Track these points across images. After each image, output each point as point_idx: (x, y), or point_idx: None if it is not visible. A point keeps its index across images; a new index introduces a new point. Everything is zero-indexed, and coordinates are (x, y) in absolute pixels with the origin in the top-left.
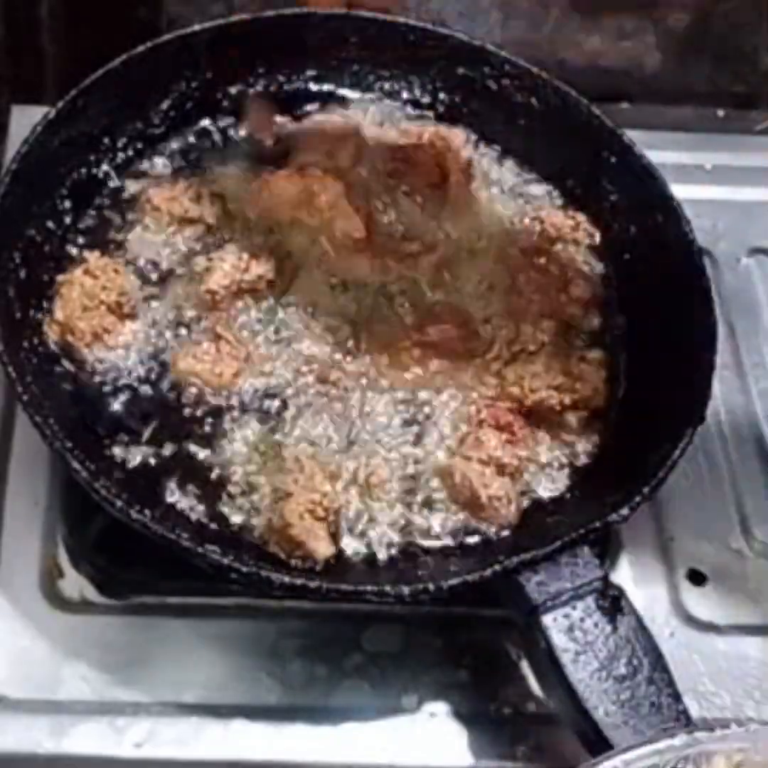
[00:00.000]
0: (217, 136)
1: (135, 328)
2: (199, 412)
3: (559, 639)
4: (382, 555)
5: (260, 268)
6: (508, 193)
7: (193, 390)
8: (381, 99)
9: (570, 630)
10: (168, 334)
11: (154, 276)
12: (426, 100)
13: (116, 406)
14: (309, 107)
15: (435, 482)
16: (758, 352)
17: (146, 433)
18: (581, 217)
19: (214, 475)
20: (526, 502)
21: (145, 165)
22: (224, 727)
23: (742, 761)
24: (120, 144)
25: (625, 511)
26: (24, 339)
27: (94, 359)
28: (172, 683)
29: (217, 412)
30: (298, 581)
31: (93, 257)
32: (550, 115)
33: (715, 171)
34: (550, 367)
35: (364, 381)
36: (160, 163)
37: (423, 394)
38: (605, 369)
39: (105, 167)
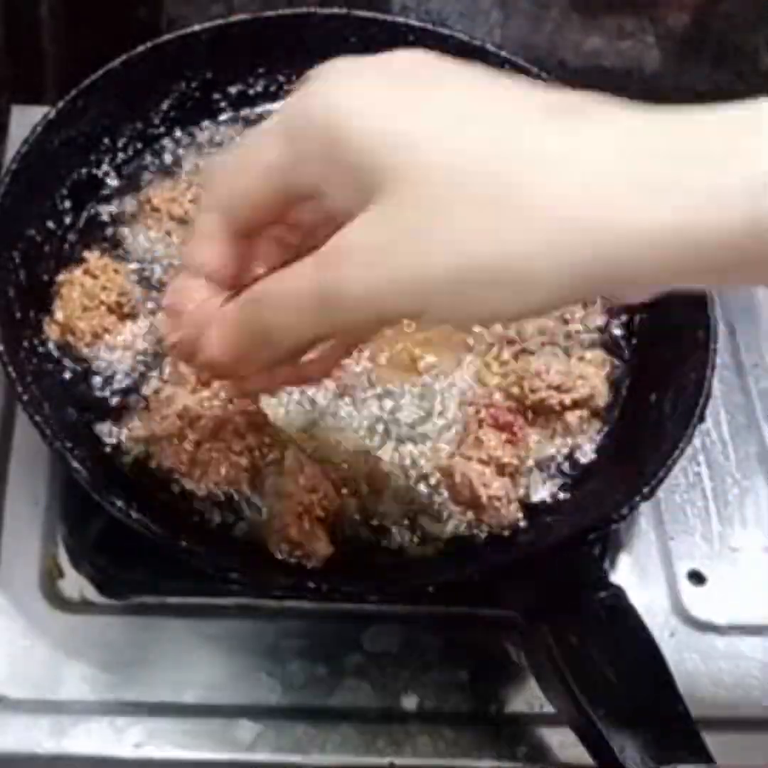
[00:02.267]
0: (217, 136)
1: (135, 328)
2: None
3: (559, 639)
4: (381, 555)
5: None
6: None
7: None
8: None
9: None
10: None
11: (154, 276)
12: None
13: (116, 406)
14: None
15: (435, 482)
16: (758, 352)
17: (147, 433)
18: None
19: None
20: (525, 502)
21: (145, 165)
22: (224, 727)
23: None
24: (120, 144)
25: (624, 511)
26: (24, 339)
27: (94, 359)
28: (172, 683)
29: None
30: (298, 581)
31: (93, 257)
32: None
33: None
34: (550, 367)
35: (363, 380)
36: (160, 164)
37: (422, 394)
38: (605, 369)
39: (105, 167)
